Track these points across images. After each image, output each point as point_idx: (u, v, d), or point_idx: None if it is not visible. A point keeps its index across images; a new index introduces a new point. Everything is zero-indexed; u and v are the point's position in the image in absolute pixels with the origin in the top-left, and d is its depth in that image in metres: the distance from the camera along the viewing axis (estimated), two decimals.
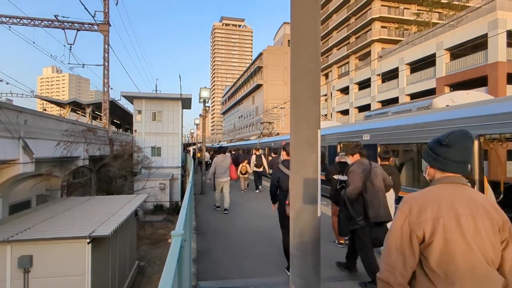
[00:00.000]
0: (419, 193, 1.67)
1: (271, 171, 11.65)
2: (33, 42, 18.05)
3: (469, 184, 1.68)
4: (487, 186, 5.59)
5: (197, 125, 40.09)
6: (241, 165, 13.05)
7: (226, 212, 9.23)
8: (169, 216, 14.63)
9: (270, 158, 13.48)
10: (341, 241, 5.94)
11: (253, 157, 13.47)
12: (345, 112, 41.47)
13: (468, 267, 1.45)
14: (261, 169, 13.38)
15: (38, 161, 9.06)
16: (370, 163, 4.41)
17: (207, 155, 20.68)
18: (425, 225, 1.52)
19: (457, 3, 33.40)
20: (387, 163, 5.58)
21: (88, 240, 5.27)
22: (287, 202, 4.40)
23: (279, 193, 4.74)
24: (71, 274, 5.28)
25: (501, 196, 6.55)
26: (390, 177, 4.88)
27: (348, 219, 4.26)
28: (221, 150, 10.44)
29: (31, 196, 10.44)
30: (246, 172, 13.13)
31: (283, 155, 4.86)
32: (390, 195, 5.01)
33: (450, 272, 1.47)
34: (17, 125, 8.29)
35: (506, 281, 1.52)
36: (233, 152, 18.39)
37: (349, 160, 4.64)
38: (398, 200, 5.14)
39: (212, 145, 46.19)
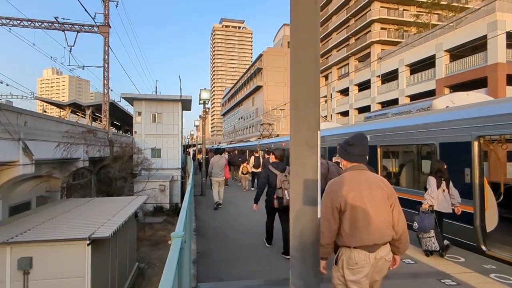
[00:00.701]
0: (337, 178, 2.45)
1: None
2: (33, 44, 18.09)
3: (368, 169, 2.51)
4: (487, 187, 5.58)
5: (197, 126, 40.13)
6: (242, 166, 13.84)
7: (220, 206, 9.91)
8: (169, 217, 14.64)
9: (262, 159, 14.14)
10: None
11: (252, 159, 13.90)
12: (345, 114, 41.50)
13: (365, 224, 2.20)
14: (259, 170, 13.64)
15: (38, 163, 9.06)
16: (327, 162, 5.26)
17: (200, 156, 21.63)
18: (341, 200, 2.27)
19: (456, 4, 33.49)
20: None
21: (88, 242, 5.27)
22: (275, 196, 5.28)
23: (268, 190, 5.54)
24: (71, 276, 5.27)
25: (501, 197, 6.54)
26: None
27: None
28: (217, 151, 11.26)
29: (31, 198, 10.44)
30: (247, 172, 13.77)
31: (272, 158, 5.66)
32: None
33: (354, 229, 2.23)
34: (17, 127, 8.29)
35: (395, 232, 2.31)
36: (230, 153, 18.69)
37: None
38: None
39: (212, 146, 46.23)
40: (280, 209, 5.33)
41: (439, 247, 5.03)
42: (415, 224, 5.19)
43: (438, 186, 5.19)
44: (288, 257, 4.92)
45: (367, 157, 2.54)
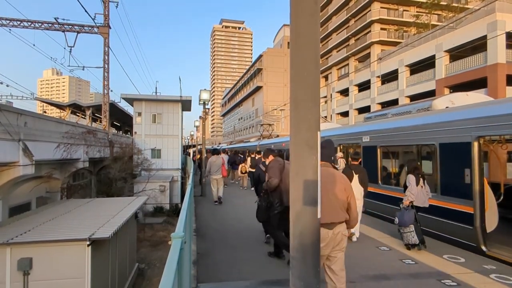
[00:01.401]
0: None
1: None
2: (33, 45, 18.09)
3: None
4: (487, 187, 5.58)
5: (197, 127, 40.12)
6: (241, 166, 15.12)
7: (220, 201, 10.64)
8: (169, 218, 14.63)
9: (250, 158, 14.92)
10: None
11: (249, 159, 14.60)
12: (345, 114, 41.50)
13: (326, 207, 2.55)
14: (254, 170, 13.92)
15: (38, 163, 9.06)
16: (283, 160, 5.49)
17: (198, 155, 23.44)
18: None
19: (456, 5, 33.50)
20: (356, 163, 6.38)
21: (88, 243, 5.26)
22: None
23: (260, 186, 6.14)
24: (71, 277, 5.27)
25: (501, 197, 6.54)
26: (357, 174, 5.99)
27: (268, 207, 5.19)
28: (214, 152, 12.33)
29: (31, 198, 10.43)
30: (246, 172, 14.60)
31: (262, 158, 6.06)
32: (359, 190, 5.96)
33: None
34: (17, 127, 8.29)
35: (348, 215, 3.06)
36: (229, 154, 19.52)
37: (267, 161, 5.66)
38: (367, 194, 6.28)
39: (212, 147, 46.25)
40: None
41: (418, 241, 5.37)
42: (396, 220, 5.59)
43: (417, 183, 5.59)
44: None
45: (332, 157, 3.58)
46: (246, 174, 14.68)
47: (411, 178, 5.60)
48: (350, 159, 6.71)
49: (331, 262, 3.05)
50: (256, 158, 12.90)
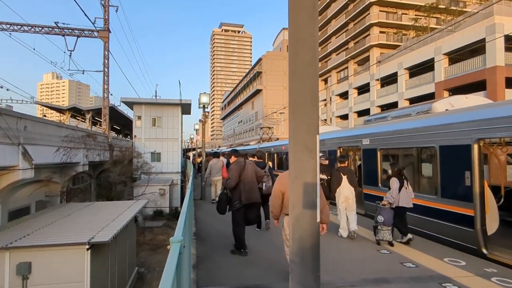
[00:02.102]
0: (284, 173, 4.33)
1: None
2: (34, 49, 18.14)
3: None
4: (487, 190, 5.57)
5: (196, 130, 40.12)
6: None
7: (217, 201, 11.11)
8: (169, 221, 14.56)
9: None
10: None
11: None
12: (345, 117, 41.54)
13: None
14: None
15: (38, 167, 9.04)
16: (245, 160, 5.95)
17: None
18: (284, 186, 3.99)
19: (454, 8, 33.66)
20: (343, 165, 6.86)
21: (87, 247, 5.23)
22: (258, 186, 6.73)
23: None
24: (70, 281, 5.24)
25: (502, 200, 6.53)
26: (345, 175, 6.49)
27: (228, 202, 5.73)
28: (215, 155, 13.35)
29: (30, 202, 10.40)
30: None
31: (232, 159, 6.32)
32: (350, 189, 6.54)
33: (284, 203, 4.07)
34: (17, 131, 8.29)
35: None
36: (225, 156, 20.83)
37: (231, 161, 6.18)
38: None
39: (212, 150, 46.24)
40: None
41: (392, 239, 5.93)
42: (381, 218, 5.90)
43: (401, 186, 5.99)
44: (258, 229, 7.15)
45: None
46: None
47: (394, 182, 6.00)
48: (337, 161, 7.10)
49: None
50: (254, 160, 13.34)
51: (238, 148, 33.77)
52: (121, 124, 32.06)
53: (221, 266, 5.11)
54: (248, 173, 5.74)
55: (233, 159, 6.12)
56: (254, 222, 6.01)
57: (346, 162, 7.09)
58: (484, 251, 5.33)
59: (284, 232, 4.21)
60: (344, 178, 6.50)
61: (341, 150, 10.98)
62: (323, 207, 3.76)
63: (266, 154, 20.24)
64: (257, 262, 5.28)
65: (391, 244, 5.92)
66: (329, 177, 6.87)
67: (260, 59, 57.45)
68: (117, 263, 6.75)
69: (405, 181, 6.03)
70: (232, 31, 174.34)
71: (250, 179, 5.74)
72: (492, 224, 5.55)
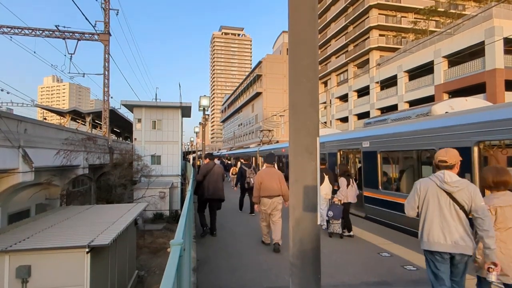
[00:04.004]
0: (262, 170, 6.42)
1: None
2: (34, 52, 18.18)
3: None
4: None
5: (196, 133, 40.11)
6: (232, 168, 18.40)
7: None
8: (169, 224, 14.54)
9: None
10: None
11: (238, 164, 15.70)
12: (345, 120, 41.58)
13: (267, 187, 6.02)
14: None
15: (38, 170, 9.04)
16: (214, 163, 7.66)
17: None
18: (260, 178, 6.13)
19: (453, 11, 33.79)
20: (323, 166, 7.49)
21: (87, 250, 5.22)
22: (246, 181, 9.73)
23: (241, 178, 9.98)
24: (70, 284, 5.22)
25: None
26: (327, 176, 7.43)
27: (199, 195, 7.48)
28: (210, 156, 13.66)
29: (30, 205, 10.39)
30: (236, 173, 16.82)
31: (206, 160, 7.93)
32: (329, 187, 7.53)
33: (263, 189, 6.04)
34: (17, 134, 8.30)
35: (281, 192, 6.05)
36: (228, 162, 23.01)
37: (205, 162, 7.89)
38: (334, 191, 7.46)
39: (213, 153, 46.22)
40: (247, 188, 9.65)
41: (341, 231, 6.77)
42: (331, 213, 6.76)
43: (348, 184, 6.95)
44: (253, 214, 9.41)
45: (274, 162, 6.52)
46: (235, 175, 15.78)
47: (343, 181, 6.95)
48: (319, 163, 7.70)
49: (272, 216, 6.05)
50: (244, 162, 13.62)
51: (238, 151, 33.80)
52: (121, 127, 32.09)
53: (221, 269, 5.10)
54: (214, 174, 7.33)
55: (206, 160, 7.73)
56: (215, 210, 7.48)
57: (326, 164, 8.22)
58: None
59: (260, 208, 6.18)
60: (326, 178, 7.41)
61: (341, 152, 10.98)
62: (285, 193, 6.01)
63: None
64: (257, 265, 5.27)
65: (341, 236, 6.76)
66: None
67: (260, 62, 57.57)
68: (117, 266, 6.73)
69: (351, 179, 7.07)
70: (232, 34, 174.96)
71: (215, 178, 7.31)
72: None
